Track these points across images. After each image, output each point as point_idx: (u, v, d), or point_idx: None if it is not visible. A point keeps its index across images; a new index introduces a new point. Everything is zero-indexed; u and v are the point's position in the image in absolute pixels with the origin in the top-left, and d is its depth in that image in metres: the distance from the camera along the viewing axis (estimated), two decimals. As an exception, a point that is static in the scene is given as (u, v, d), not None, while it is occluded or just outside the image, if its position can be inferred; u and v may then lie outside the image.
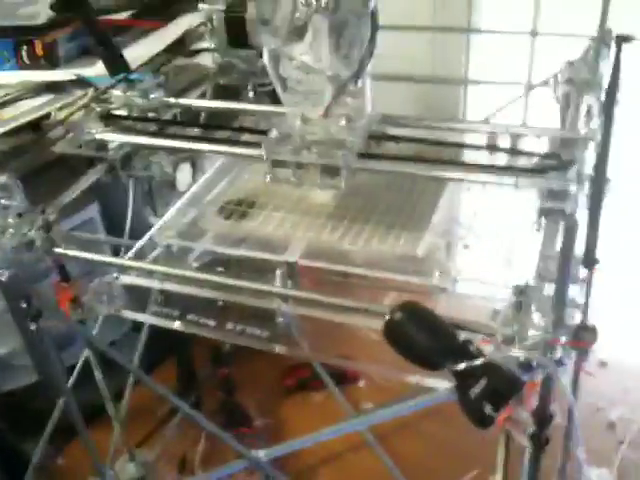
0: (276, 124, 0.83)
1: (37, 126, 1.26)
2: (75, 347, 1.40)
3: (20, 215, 0.82)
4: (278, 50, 0.84)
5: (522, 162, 0.83)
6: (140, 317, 0.88)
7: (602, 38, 1.05)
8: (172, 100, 1.02)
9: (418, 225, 0.89)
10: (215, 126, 1.05)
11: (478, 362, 0.59)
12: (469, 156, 0.92)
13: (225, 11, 1.16)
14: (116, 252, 1.25)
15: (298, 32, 0.83)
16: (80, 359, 1.22)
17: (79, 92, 1.32)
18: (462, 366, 0.59)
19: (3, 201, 0.81)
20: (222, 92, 1.28)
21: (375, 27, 0.80)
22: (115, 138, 0.93)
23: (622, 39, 0.89)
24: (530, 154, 0.80)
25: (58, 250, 0.83)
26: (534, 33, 1.35)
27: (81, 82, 1.33)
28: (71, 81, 1.35)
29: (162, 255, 0.94)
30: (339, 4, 0.77)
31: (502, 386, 0.58)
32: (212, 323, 0.85)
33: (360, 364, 0.86)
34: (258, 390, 1.55)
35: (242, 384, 1.54)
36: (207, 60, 1.45)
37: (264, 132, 0.84)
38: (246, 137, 0.92)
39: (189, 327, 0.85)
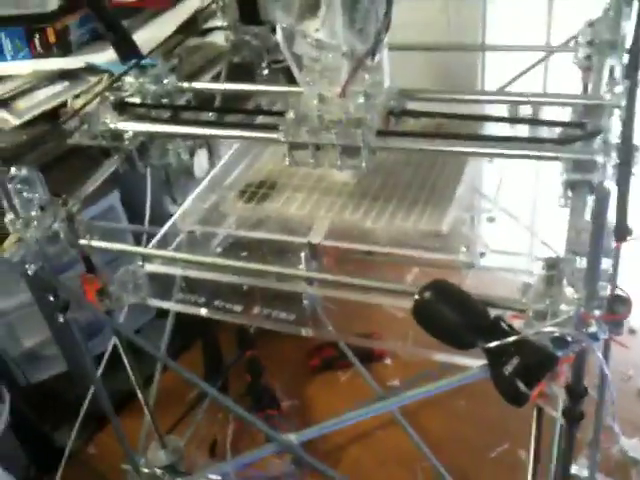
0: (293, 104, 0.82)
1: (54, 115, 1.28)
2: (102, 336, 1.43)
3: (42, 208, 0.82)
4: (291, 27, 0.83)
5: (545, 132, 0.82)
6: (166, 305, 0.89)
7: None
8: (185, 84, 1.01)
9: (441, 200, 0.88)
10: (230, 109, 1.04)
11: (511, 339, 0.58)
12: (490, 128, 0.91)
13: (236, -12, 1.16)
14: (138, 240, 1.26)
15: (311, 8, 0.83)
16: (108, 348, 1.23)
17: (93, 79, 1.32)
18: (495, 344, 0.59)
19: (25, 194, 0.81)
20: (236, 70, 1.28)
21: None
22: (130, 127, 0.92)
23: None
24: (553, 123, 0.79)
25: (82, 241, 0.83)
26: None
27: (94, 69, 1.32)
28: (85, 68, 1.35)
29: (185, 242, 0.95)
30: None
31: (536, 363, 0.58)
32: (238, 308, 0.85)
33: (387, 343, 0.87)
34: (284, 371, 1.55)
35: (268, 366, 1.55)
36: (220, 38, 1.44)
37: (280, 113, 0.83)
38: (262, 119, 0.91)
39: (216, 313, 0.86)
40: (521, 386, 0.58)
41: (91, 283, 0.89)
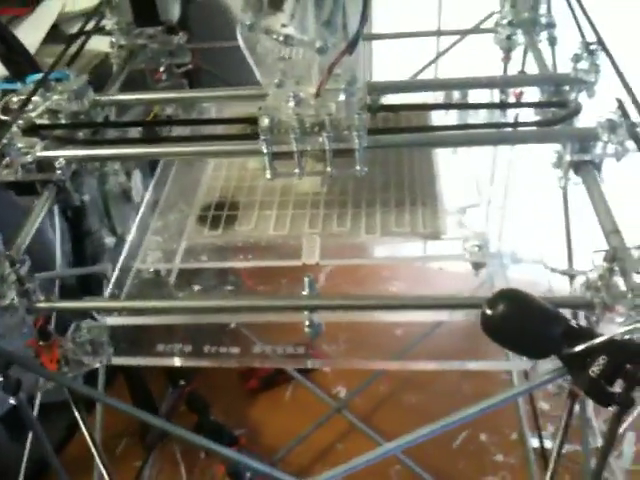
0: (264, 109, 0.73)
1: None
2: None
3: (-12, 271, 0.68)
4: (254, 24, 0.75)
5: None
6: (145, 362, 0.78)
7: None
8: (118, 97, 0.89)
9: (426, 198, 0.85)
10: (176, 121, 0.93)
11: (597, 341, 0.56)
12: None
13: (130, -14, 1.05)
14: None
15: (276, 1, 0.75)
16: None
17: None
18: (580, 348, 0.57)
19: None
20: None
21: None
22: (63, 154, 0.78)
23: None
24: (541, 104, 0.79)
25: (42, 305, 0.70)
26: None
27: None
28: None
29: (140, 281, 0.84)
30: None
31: (627, 360, 0.57)
32: (236, 351, 0.76)
33: (417, 363, 0.81)
34: (222, 400, 1.46)
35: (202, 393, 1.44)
36: (98, 45, 1.31)
37: (247, 120, 0.75)
38: (219, 129, 0.82)
39: (211, 360, 0.77)
40: (609, 386, 0.57)
41: (48, 352, 0.76)
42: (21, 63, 0.92)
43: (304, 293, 0.75)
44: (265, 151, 0.72)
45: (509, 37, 1.07)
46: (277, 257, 0.80)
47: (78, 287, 1.30)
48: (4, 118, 0.81)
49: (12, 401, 0.76)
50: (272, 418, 1.43)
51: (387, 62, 1.62)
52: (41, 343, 0.76)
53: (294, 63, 0.74)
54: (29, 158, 0.78)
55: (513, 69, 1.12)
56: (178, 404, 1.41)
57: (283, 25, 0.73)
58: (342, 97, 0.72)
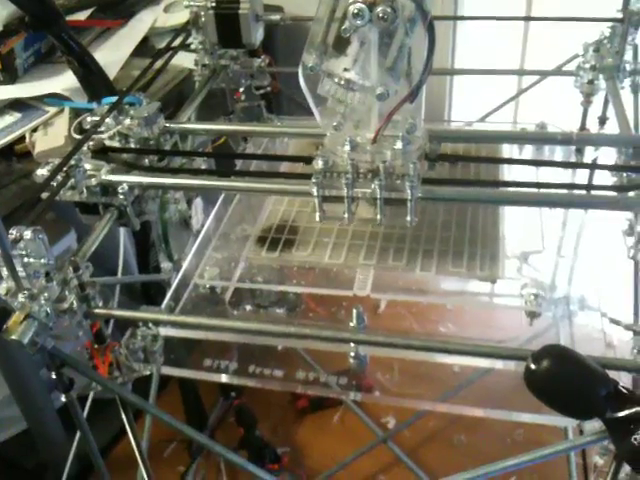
0: (322, 151, 0.75)
1: (9, 152, 1.16)
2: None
3: (48, 274, 0.72)
4: (317, 67, 0.76)
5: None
6: (192, 375, 0.80)
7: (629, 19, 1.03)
8: (187, 125, 0.92)
9: (488, 240, 0.85)
10: (240, 155, 0.96)
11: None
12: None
13: (215, 7, 1.09)
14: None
15: (340, 45, 0.76)
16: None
17: (49, 109, 1.21)
18: (624, 414, 0.56)
19: (27, 259, 0.71)
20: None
21: (433, 35, 0.73)
22: (128, 179, 0.82)
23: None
24: (615, 168, 0.77)
25: (99, 311, 0.74)
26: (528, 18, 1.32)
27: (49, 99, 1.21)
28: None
29: (197, 297, 0.87)
30: (397, 12, 0.69)
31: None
32: (279, 374, 0.78)
33: (464, 408, 0.81)
34: (270, 416, 1.49)
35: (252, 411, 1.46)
36: (183, 61, 1.36)
37: (303, 159, 0.77)
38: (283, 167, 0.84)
39: (255, 381, 0.79)
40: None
41: (102, 356, 0.79)
42: (99, 85, 0.96)
43: (351, 325, 0.77)
44: (315, 194, 0.73)
45: (590, 82, 1.06)
46: (330, 285, 0.81)
47: (142, 294, 1.36)
48: (77, 137, 0.86)
49: (63, 399, 0.81)
50: (317, 440, 1.44)
51: (468, 97, 1.61)
52: (96, 346, 0.80)
53: (354, 107, 0.75)
54: (93, 182, 0.81)
55: (594, 114, 1.10)
56: (227, 415, 1.44)
57: (345, 69, 0.74)
58: (399, 145, 0.73)
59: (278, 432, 1.46)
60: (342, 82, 0.74)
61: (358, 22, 0.69)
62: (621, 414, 0.56)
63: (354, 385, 0.79)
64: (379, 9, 0.68)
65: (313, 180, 0.72)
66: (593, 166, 0.78)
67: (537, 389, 0.59)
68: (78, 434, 1.08)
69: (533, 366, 0.58)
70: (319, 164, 0.73)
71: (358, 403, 1.46)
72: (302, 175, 0.75)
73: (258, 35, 1.12)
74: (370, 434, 1.41)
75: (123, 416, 0.89)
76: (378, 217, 0.73)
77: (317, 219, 0.74)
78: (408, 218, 0.72)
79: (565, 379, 0.58)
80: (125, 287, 1.31)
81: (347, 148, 0.73)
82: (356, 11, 0.68)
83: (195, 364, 0.81)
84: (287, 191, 0.79)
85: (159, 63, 1.30)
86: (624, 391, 0.58)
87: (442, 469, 1.36)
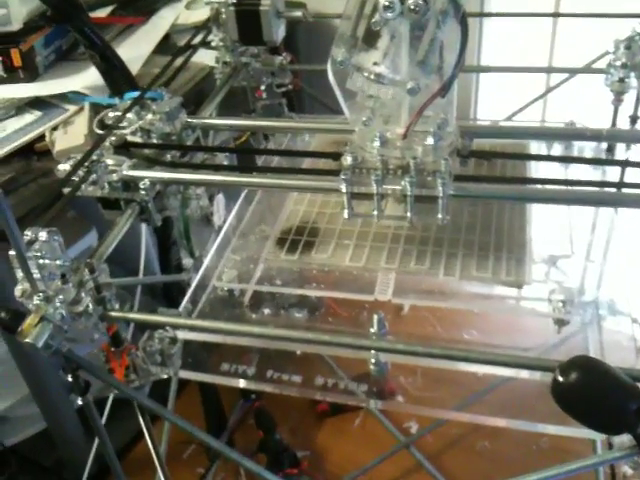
0: (349, 146, 0.73)
1: (29, 150, 1.16)
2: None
3: (63, 276, 0.71)
4: (346, 62, 0.74)
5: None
6: (210, 379, 0.79)
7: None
8: (209, 121, 0.91)
9: (515, 244, 0.82)
10: (263, 151, 0.95)
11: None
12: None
13: (236, 4, 1.07)
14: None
15: (369, 38, 0.75)
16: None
17: (69, 107, 1.21)
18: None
19: (42, 261, 0.70)
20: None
21: (466, 28, 0.71)
22: (149, 175, 0.81)
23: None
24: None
25: (116, 314, 0.73)
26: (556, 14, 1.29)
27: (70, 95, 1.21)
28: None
29: (215, 299, 0.85)
30: (428, 5, 0.67)
31: None
32: (297, 379, 0.77)
33: (487, 418, 0.79)
34: (290, 419, 1.47)
35: (273, 414, 1.45)
36: (204, 58, 1.35)
37: (331, 155, 0.75)
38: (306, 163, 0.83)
39: (273, 387, 0.77)
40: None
41: (118, 359, 0.78)
42: (121, 80, 0.95)
43: (372, 331, 0.75)
44: (344, 190, 0.71)
45: (621, 80, 1.02)
46: (351, 289, 0.80)
47: (163, 292, 1.35)
48: (100, 132, 0.85)
49: (79, 402, 0.80)
50: (338, 444, 1.43)
51: (494, 95, 1.58)
52: (112, 349, 0.79)
53: (384, 102, 0.74)
54: (115, 177, 0.80)
55: (625, 112, 1.07)
56: (246, 417, 1.43)
57: (375, 63, 0.72)
58: (430, 141, 0.71)
59: (298, 435, 1.45)
60: (372, 76, 0.72)
61: (389, 14, 0.67)
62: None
63: (375, 392, 0.78)
64: (410, 1, 0.66)
65: (342, 176, 0.70)
66: (624, 163, 0.76)
67: (565, 402, 0.56)
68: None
69: (561, 378, 0.56)
70: (348, 160, 0.71)
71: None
72: (327, 171, 0.73)
73: (279, 32, 1.10)
74: (391, 439, 1.39)
75: (140, 420, 0.88)
76: (408, 215, 0.71)
77: (345, 216, 0.72)
78: (440, 216, 0.70)
79: (594, 392, 0.55)
80: (146, 285, 1.30)
81: (377, 144, 0.71)
82: (387, 3, 0.66)
83: (213, 368, 0.80)
84: (314, 187, 0.77)
85: (180, 60, 1.30)
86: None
87: (465, 476, 1.34)
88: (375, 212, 0.72)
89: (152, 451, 0.92)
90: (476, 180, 0.73)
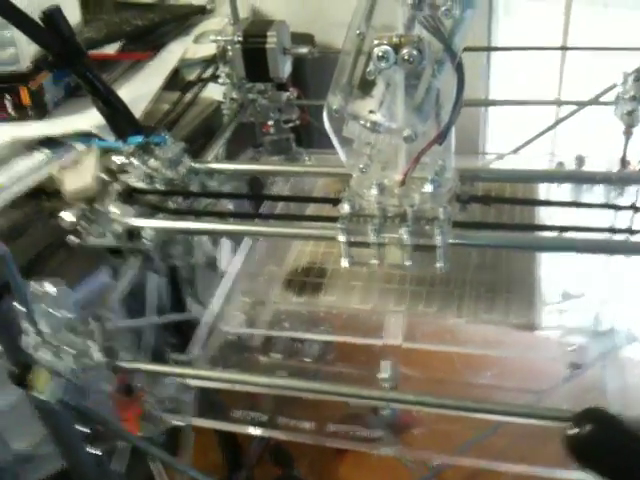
0: (348, 195, 0.73)
1: (38, 190, 1.17)
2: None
3: (72, 327, 0.72)
4: (342, 109, 0.74)
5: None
6: (218, 425, 0.79)
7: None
8: (213, 165, 0.91)
9: (525, 284, 0.81)
10: (266, 196, 0.95)
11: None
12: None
13: (242, 42, 1.08)
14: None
15: (365, 86, 0.75)
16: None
17: (77, 145, 1.22)
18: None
19: (52, 311, 0.71)
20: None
21: (462, 76, 0.70)
22: (152, 224, 0.81)
23: None
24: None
25: (127, 365, 0.73)
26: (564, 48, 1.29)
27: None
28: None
29: (224, 345, 0.85)
30: (423, 55, 0.67)
31: None
32: (309, 426, 0.76)
33: (500, 464, 0.78)
34: (307, 452, 1.46)
35: (289, 447, 1.44)
36: (211, 93, 1.36)
37: (331, 200, 0.75)
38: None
39: (285, 434, 0.77)
40: None
41: (129, 408, 0.78)
42: (124, 124, 0.96)
43: (381, 377, 0.75)
44: (342, 240, 0.71)
45: (630, 113, 1.02)
46: (359, 333, 0.80)
47: (174, 328, 1.35)
48: (104, 177, 0.86)
49: (92, 450, 0.80)
50: (358, 477, 1.41)
51: (504, 129, 1.58)
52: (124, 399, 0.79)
53: (380, 149, 0.74)
54: (118, 227, 0.81)
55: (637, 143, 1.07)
56: (264, 453, 1.42)
57: (371, 111, 0.72)
58: (428, 188, 0.71)
59: (315, 470, 1.44)
60: (368, 124, 0.72)
61: (383, 64, 0.67)
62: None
63: (390, 428, 0.77)
64: (405, 51, 0.66)
65: (339, 225, 0.71)
66: (634, 208, 0.75)
67: (578, 455, 0.56)
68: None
69: (577, 430, 0.55)
70: (345, 208, 0.71)
71: (399, 439, 1.43)
72: (328, 218, 0.73)
73: (286, 69, 1.11)
74: (409, 473, 1.38)
75: (153, 469, 0.88)
76: (407, 264, 0.71)
77: (345, 265, 0.72)
78: (438, 265, 0.70)
79: (608, 446, 0.55)
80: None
81: (374, 192, 0.71)
82: (381, 54, 0.66)
83: (223, 415, 0.80)
84: (312, 236, 0.77)
85: (188, 96, 1.31)
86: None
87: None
88: (375, 261, 0.72)
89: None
90: (476, 227, 0.72)
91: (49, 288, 0.71)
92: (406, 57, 0.66)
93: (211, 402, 0.83)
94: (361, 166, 0.74)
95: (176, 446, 1.08)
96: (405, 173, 0.71)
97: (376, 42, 0.66)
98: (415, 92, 0.70)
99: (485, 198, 0.76)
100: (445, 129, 0.71)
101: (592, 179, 0.80)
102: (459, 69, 0.69)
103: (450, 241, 0.69)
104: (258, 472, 1.43)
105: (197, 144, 1.11)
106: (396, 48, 0.66)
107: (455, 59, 0.68)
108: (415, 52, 0.66)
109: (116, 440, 0.82)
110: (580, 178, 0.81)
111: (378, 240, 0.70)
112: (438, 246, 0.68)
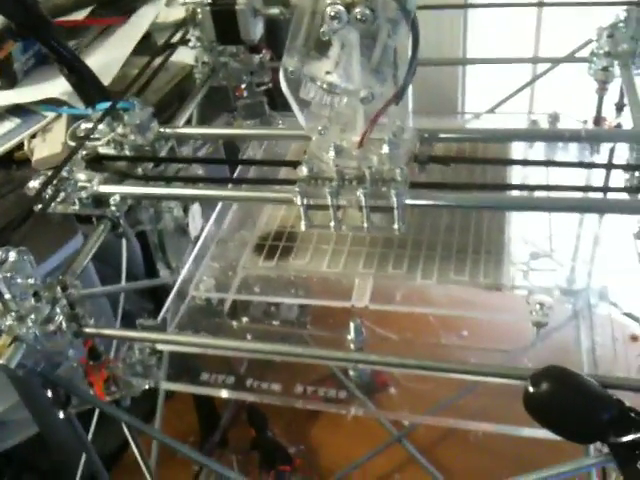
0: (307, 157, 0.72)
1: (8, 159, 1.15)
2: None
3: (36, 294, 0.71)
4: (298, 71, 0.73)
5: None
6: (186, 389, 0.79)
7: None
8: (183, 130, 0.89)
9: (493, 245, 0.81)
10: (232, 161, 0.94)
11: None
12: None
13: (211, 4, 1.06)
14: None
15: (320, 47, 0.73)
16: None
17: (48, 114, 1.20)
18: (630, 438, 0.53)
19: (14, 280, 0.70)
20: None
21: (417, 35, 0.69)
22: (119, 190, 0.80)
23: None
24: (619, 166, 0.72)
25: (90, 330, 0.73)
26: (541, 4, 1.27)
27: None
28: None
29: (194, 309, 0.85)
30: (376, 14, 0.66)
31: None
32: (277, 387, 0.76)
33: (470, 423, 0.78)
34: (282, 414, 1.47)
35: (265, 409, 1.45)
36: (183, 57, 1.33)
37: (292, 163, 0.73)
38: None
39: (252, 395, 0.77)
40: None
41: (97, 373, 0.78)
42: (92, 91, 0.94)
43: (349, 338, 0.74)
44: (299, 203, 0.71)
45: (605, 69, 1.01)
46: (328, 296, 0.79)
47: (148, 292, 1.35)
48: (72, 144, 0.84)
49: (62, 415, 0.80)
50: (331, 439, 1.43)
51: (481, 87, 1.56)
52: (91, 363, 0.79)
53: (339, 111, 0.72)
54: (84, 194, 0.80)
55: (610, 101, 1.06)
56: (239, 414, 1.43)
57: (327, 72, 0.70)
58: (385, 149, 0.70)
59: (291, 430, 1.45)
60: (325, 86, 0.71)
61: (336, 24, 0.66)
62: (625, 439, 0.54)
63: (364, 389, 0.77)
64: (357, 10, 0.65)
65: (296, 188, 0.70)
66: (606, 166, 0.74)
67: (536, 412, 0.56)
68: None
69: (532, 389, 0.56)
70: (303, 171, 0.70)
71: (373, 400, 1.44)
72: (287, 181, 0.72)
73: (257, 30, 1.09)
74: (385, 432, 1.39)
75: (125, 430, 0.88)
76: (365, 225, 0.70)
77: (302, 228, 0.72)
78: (396, 226, 0.69)
79: (565, 403, 0.56)
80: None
81: (332, 154, 0.71)
82: (333, 13, 0.65)
83: (192, 379, 0.80)
84: (270, 199, 0.77)
85: (158, 60, 1.28)
86: (631, 414, 0.55)
87: (458, 467, 1.34)
88: (332, 223, 0.72)
89: (140, 461, 0.93)
90: (436, 187, 0.72)
91: (13, 257, 0.70)
92: (359, 16, 0.65)
93: (181, 367, 0.83)
94: (319, 128, 0.73)
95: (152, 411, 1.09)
96: (363, 135, 0.70)
97: (329, 1, 0.64)
98: (371, 53, 0.69)
99: (444, 158, 0.75)
100: (401, 89, 0.70)
101: (561, 137, 0.79)
102: (414, 28, 0.68)
103: (407, 202, 0.68)
104: (232, 434, 1.44)
105: (172, 109, 1.09)
106: (348, 7, 0.65)
107: (409, 18, 0.66)
108: (367, 11, 0.65)
109: (85, 405, 0.81)
110: (548, 136, 0.80)
111: (335, 203, 0.70)
112: (395, 207, 0.68)
